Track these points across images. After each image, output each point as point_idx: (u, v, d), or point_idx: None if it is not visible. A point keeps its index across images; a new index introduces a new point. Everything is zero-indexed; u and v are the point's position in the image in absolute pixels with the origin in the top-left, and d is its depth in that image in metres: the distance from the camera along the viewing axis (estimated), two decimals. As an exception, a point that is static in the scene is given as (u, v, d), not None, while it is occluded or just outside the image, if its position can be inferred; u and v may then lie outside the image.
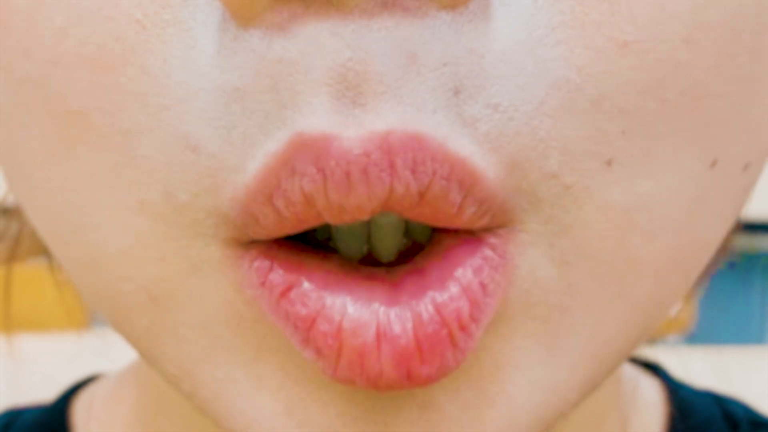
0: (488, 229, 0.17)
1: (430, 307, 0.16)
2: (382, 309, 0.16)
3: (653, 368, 0.32)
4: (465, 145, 0.16)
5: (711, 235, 0.19)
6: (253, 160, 0.16)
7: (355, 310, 0.16)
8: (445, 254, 0.17)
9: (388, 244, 0.18)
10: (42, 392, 0.34)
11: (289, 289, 0.17)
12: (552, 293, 0.17)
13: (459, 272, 0.17)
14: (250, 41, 0.16)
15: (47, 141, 0.18)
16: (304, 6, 0.15)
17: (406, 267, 0.18)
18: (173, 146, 0.16)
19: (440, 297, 0.17)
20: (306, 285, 0.17)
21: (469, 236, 0.17)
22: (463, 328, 0.17)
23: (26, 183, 0.19)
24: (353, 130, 0.15)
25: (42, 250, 0.28)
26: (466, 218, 0.16)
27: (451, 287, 0.17)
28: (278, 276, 0.17)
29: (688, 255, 0.19)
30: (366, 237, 0.18)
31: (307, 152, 0.16)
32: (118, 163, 0.17)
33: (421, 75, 0.15)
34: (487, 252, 0.17)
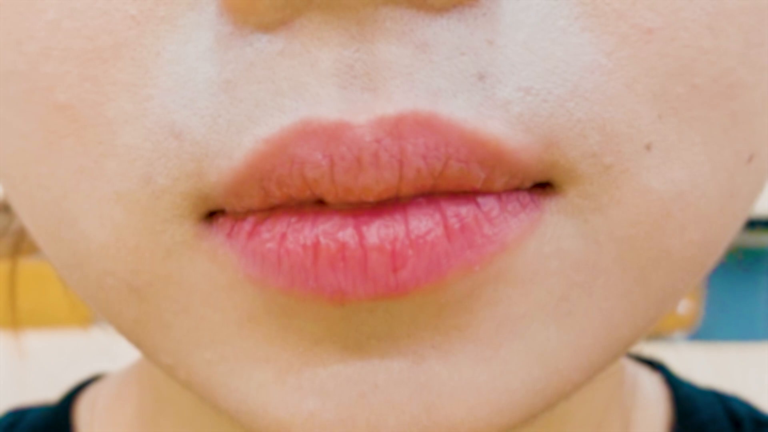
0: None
1: (426, 215, 0.16)
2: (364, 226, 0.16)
3: (656, 366, 0.32)
4: (495, 126, 0.16)
5: (732, 231, 0.19)
6: (240, 146, 0.16)
7: (331, 226, 0.16)
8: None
9: None
10: (47, 389, 0.34)
11: (257, 225, 0.17)
12: (575, 270, 0.17)
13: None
14: (248, 37, 0.16)
15: (31, 137, 0.18)
16: (306, 1, 0.15)
17: None
18: (157, 134, 0.16)
19: (446, 206, 0.17)
20: (275, 222, 0.17)
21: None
22: (465, 227, 0.16)
23: (10, 181, 0.19)
24: (364, 116, 0.16)
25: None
26: (498, 186, 0.16)
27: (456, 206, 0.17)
28: (246, 223, 0.17)
29: (711, 251, 0.19)
30: None
31: (313, 139, 0.16)
32: (101, 154, 0.17)
33: (435, 63, 0.16)
34: (516, 197, 0.17)
